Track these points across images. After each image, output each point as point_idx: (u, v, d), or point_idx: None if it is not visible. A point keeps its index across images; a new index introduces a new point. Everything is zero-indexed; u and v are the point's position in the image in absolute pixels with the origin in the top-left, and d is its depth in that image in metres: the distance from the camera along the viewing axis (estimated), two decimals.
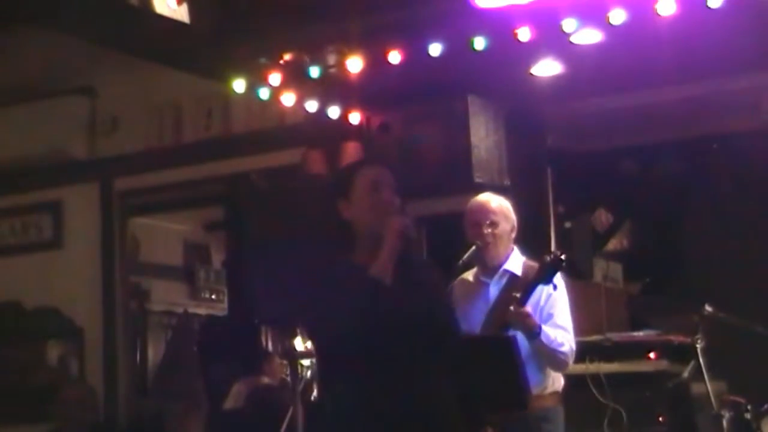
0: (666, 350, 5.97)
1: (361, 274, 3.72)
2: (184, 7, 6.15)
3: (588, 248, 7.48)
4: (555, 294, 4.91)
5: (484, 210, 5.08)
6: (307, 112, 6.78)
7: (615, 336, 6.08)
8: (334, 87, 6.51)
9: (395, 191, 3.87)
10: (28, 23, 6.96)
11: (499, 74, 6.28)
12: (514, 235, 5.12)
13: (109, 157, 7.90)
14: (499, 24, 5.74)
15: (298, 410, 5.77)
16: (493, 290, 5.06)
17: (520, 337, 4.72)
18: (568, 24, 5.61)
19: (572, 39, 5.71)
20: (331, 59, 6.24)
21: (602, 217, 7.82)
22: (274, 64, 6.40)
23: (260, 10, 6.16)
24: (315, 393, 6.08)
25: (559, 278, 4.87)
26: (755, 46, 5.78)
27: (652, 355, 5.97)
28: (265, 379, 7.71)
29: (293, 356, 5.97)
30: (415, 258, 3.96)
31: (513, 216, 5.12)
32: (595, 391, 5.78)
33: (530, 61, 6.11)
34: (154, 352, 9.46)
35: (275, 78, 6.44)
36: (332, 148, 6.83)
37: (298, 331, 5.96)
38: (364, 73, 6.14)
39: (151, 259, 9.66)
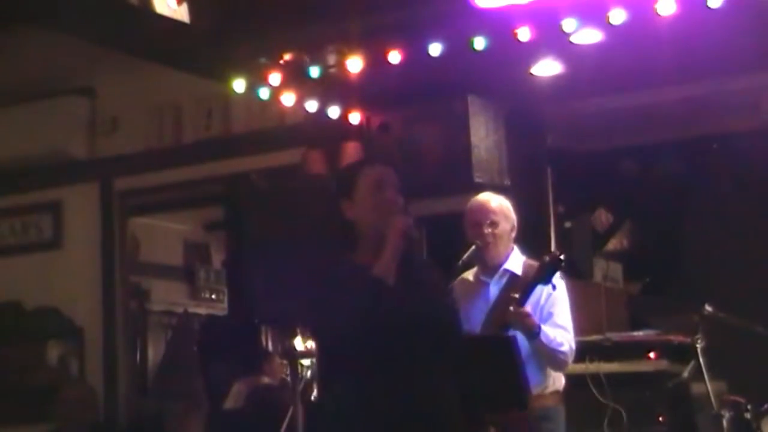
0: (666, 350, 5.97)
1: (364, 273, 3.72)
2: (184, 7, 6.16)
3: (588, 248, 7.48)
4: (555, 293, 4.91)
5: (484, 210, 5.09)
6: (307, 112, 6.78)
7: (615, 336, 6.08)
8: (334, 87, 6.51)
9: (398, 191, 3.87)
10: (28, 23, 6.97)
11: (499, 74, 6.28)
12: (514, 234, 5.12)
13: (109, 157, 7.90)
14: (499, 24, 5.74)
15: (298, 410, 5.77)
16: (494, 290, 5.06)
17: (520, 336, 4.72)
18: (568, 24, 5.61)
19: (572, 39, 5.71)
20: (331, 59, 6.24)
21: (602, 217, 7.82)
22: (274, 64, 6.40)
23: (260, 10, 6.16)
24: (315, 393, 6.08)
25: (558, 278, 4.87)
26: (755, 46, 5.78)
27: (652, 355, 5.97)
28: (265, 379, 7.71)
29: (293, 356, 5.97)
30: (417, 258, 3.95)
31: (513, 216, 5.13)
32: (595, 390, 5.78)
33: (530, 61, 6.11)
34: (154, 352, 9.46)
35: (275, 78, 6.44)
36: (332, 148, 6.82)
37: (298, 331, 5.96)
38: (364, 73, 6.14)
39: (151, 258, 9.66)
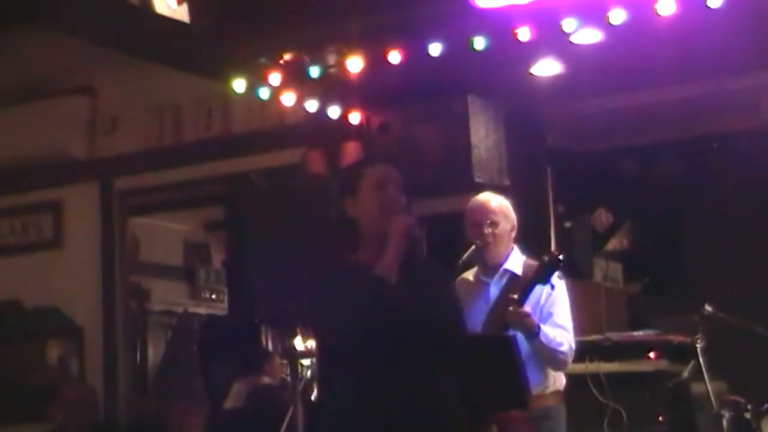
0: (666, 350, 5.97)
1: (366, 273, 3.72)
2: (184, 7, 6.16)
3: (588, 248, 7.48)
4: (555, 293, 4.91)
5: (484, 210, 5.08)
6: (307, 112, 6.78)
7: (615, 336, 6.08)
8: (334, 87, 6.51)
9: (402, 190, 3.87)
10: (28, 23, 6.97)
11: (499, 74, 6.28)
12: (514, 234, 5.12)
13: (109, 157, 7.90)
14: (499, 24, 5.74)
15: (298, 410, 5.77)
16: (494, 290, 5.06)
17: (520, 337, 4.72)
18: (568, 24, 5.61)
19: (572, 39, 5.71)
20: (331, 59, 6.24)
21: (602, 217, 7.82)
22: (274, 64, 6.41)
23: (260, 10, 6.16)
24: (315, 393, 6.08)
25: (557, 278, 4.86)
26: (755, 46, 5.78)
27: (651, 354, 5.98)
28: (266, 379, 7.71)
29: (293, 356, 5.97)
30: (420, 257, 3.95)
31: (513, 216, 5.13)
32: (595, 390, 5.78)
33: (530, 61, 6.11)
34: (154, 352, 9.45)
35: (275, 78, 6.44)
36: (332, 148, 6.83)
37: (298, 331, 5.96)
38: (364, 73, 6.15)
39: (151, 258, 9.65)
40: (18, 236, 8.23)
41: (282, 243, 5.81)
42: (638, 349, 6.02)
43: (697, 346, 5.29)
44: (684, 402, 5.83)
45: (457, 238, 5.19)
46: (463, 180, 6.43)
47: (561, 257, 4.82)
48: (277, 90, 6.55)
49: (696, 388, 5.62)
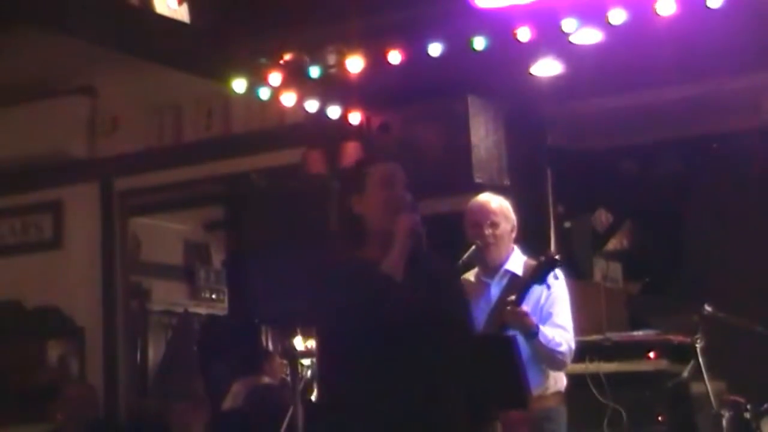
0: (666, 350, 5.97)
1: (372, 270, 3.73)
2: (184, 7, 6.16)
3: (588, 248, 7.49)
4: (555, 293, 4.91)
5: (484, 210, 5.08)
6: (307, 112, 6.78)
7: (615, 336, 6.08)
8: (334, 87, 6.51)
9: (407, 188, 3.88)
10: (28, 23, 6.96)
11: (499, 74, 6.28)
12: (514, 235, 5.12)
13: (109, 157, 7.90)
14: (499, 24, 5.74)
15: (298, 410, 5.77)
16: (495, 290, 5.06)
17: (521, 338, 4.72)
18: (568, 24, 5.61)
19: (572, 39, 5.71)
20: (331, 59, 6.24)
21: (602, 217, 7.82)
22: (274, 64, 6.41)
23: (260, 10, 6.16)
24: (315, 393, 6.08)
25: (552, 278, 4.86)
26: (755, 46, 5.78)
27: (651, 354, 5.97)
28: (265, 379, 7.71)
29: (293, 356, 5.97)
30: (427, 254, 3.95)
31: (513, 216, 5.13)
32: (594, 390, 5.78)
33: (530, 61, 6.11)
34: (154, 352, 9.46)
35: (275, 78, 6.44)
36: (332, 148, 6.83)
37: (298, 331, 5.96)
38: (364, 73, 6.15)
39: (151, 258, 9.65)
40: (18, 236, 8.23)
41: (282, 243, 5.81)
42: (638, 349, 6.01)
43: (697, 346, 5.29)
44: (684, 402, 5.83)
45: (457, 238, 5.19)
46: (463, 180, 6.43)
47: (557, 257, 4.84)
48: (277, 90, 6.55)
49: (696, 387, 5.62)
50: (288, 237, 5.76)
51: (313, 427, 5.51)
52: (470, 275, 5.15)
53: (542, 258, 4.87)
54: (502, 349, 4.48)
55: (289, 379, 6.37)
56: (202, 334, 9.54)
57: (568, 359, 4.96)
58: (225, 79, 6.57)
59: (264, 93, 6.57)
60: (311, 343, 5.98)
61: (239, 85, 6.55)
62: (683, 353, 5.63)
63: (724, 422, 5.25)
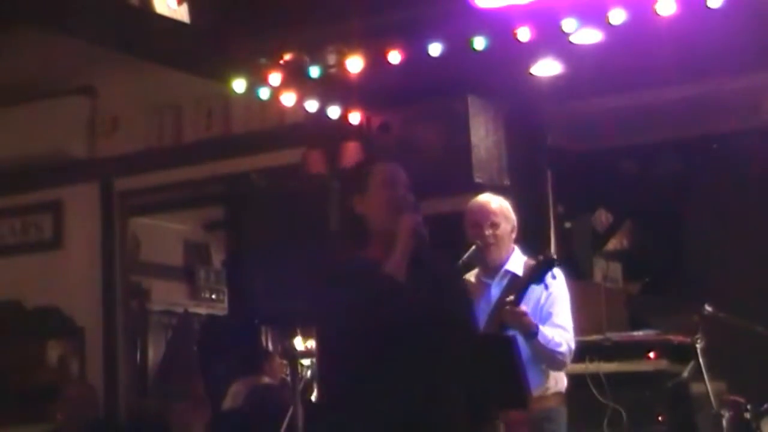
0: (666, 350, 5.97)
1: (375, 270, 3.73)
2: (184, 7, 6.15)
3: (588, 248, 7.49)
4: (555, 293, 4.91)
5: (484, 211, 5.08)
6: (307, 112, 6.78)
7: (615, 336, 6.08)
8: (334, 87, 6.51)
9: (409, 189, 3.88)
10: (28, 23, 6.96)
11: (499, 74, 6.28)
12: (514, 235, 5.12)
13: (109, 157, 7.90)
14: (499, 24, 5.74)
15: (298, 410, 5.77)
16: (495, 291, 5.06)
17: (521, 338, 4.72)
18: (568, 24, 5.61)
19: (572, 39, 5.71)
20: (331, 59, 6.24)
21: (602, 217, 7.83)
22: (274, 64, 6.40)
23: (260, 10, 6.16)
24: (315, 393, 6.08)
25: (550, 278, 4.86)
26: (755, 46, 5.78)
27: (651, 354, 5.97)
28: (265, 379, 7.71)
29: (293, 356, 5.97)
30: (430, 255, 3.95)
31: (513, 216, 5.13)
32: (594, 390, 5.78)
33: (530, 61, 6.11)
34: (154, 352, 9.46)
35: (275, 78, 6.44)
36: (332, 148, 6.83)
37: (298, 331, 5.96)
38: (364, 73, 6.14)
39: (151, 258, 9.66)
40: (18, 236, 8.23)
41: (282, 243, 5.81)
42: (638, 349, 6.02)
43: (697, 346, 5.29)
44: (684, 402, 5.83)
45: (457, 238, 5.19)
46: (463, 180, 6.43)
47: (555, 257, 4.85)
48: (277, 90, 6.55)
49: (696, 388, 5.62)
50: (288, 237, 5.76)
51: (313, 427, 5.51)
52: (470, 276, 5.15)
53: (540, 258, 4.87)
54: (502, 349, 4.48)
55: (289, 379, 6.37)
56: (202, 334, 9.54)
57: (568, 359, 4.96)
58: (225, 79, 6.57)
59: (264, 93, 6.57)
60: (311, 343, 5.98)
61: (239, 85, 6.55)
62: (683, 353, 5.63)
63: (724, 422, 5.25)
